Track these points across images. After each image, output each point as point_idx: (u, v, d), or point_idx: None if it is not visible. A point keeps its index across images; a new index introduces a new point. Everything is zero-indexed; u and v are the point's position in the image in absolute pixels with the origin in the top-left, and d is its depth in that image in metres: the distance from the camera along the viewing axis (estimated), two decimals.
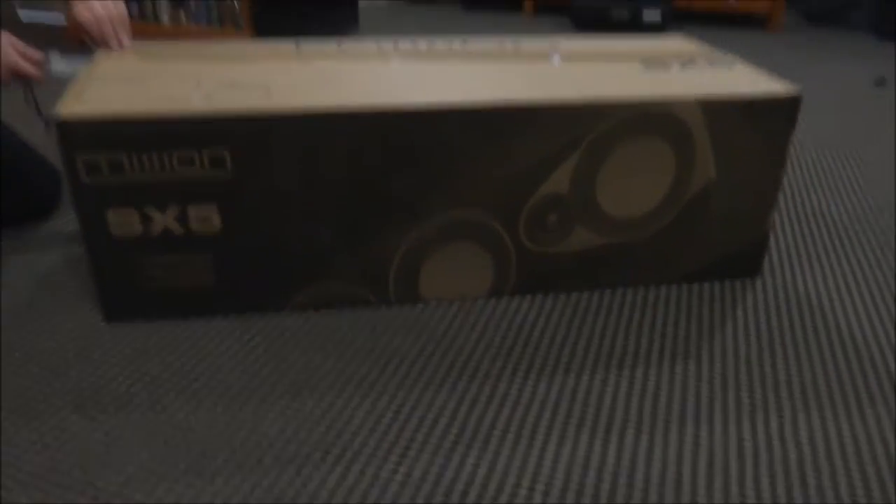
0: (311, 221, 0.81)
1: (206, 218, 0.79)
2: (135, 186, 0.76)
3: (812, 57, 2.35)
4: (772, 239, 1.08)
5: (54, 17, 1.97)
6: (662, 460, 0.66)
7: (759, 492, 0.63)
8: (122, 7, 0.94)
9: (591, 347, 0.82)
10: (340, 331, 0.83)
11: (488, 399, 0.73)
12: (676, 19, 2.78)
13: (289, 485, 0.62)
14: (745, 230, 0.93)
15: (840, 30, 2.83)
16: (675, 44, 1.05)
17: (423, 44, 0.99)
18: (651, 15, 2.52)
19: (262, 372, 0.76)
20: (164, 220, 0.78)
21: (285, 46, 0.97)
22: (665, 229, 0.90)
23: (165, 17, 2.09)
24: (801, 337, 0.85)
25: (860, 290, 0.95)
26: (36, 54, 0.89)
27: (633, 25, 2.53)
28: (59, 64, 0.95)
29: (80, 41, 0.95)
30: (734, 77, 0.90)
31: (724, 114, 0.84)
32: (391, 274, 0.86)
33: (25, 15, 2.11)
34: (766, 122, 0.85)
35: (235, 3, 1.96)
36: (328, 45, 0.98)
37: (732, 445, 0.68)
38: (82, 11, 0.91)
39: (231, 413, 0.70)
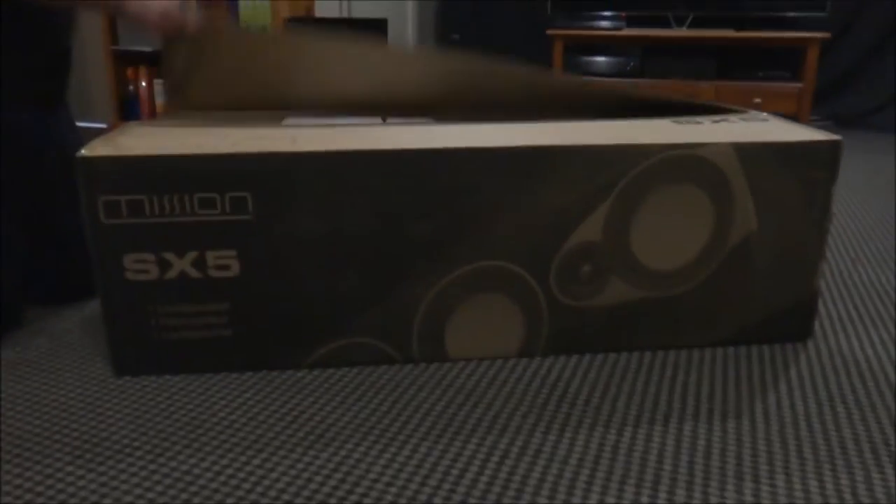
0: (334, 270, 0.78)
1: (225, 264, 0.77)
2: (153, 229, 0.74)
3: (844, 153, 2.34)
4: (821, 308, 1.01)
5: None
6: None
7: None
8: None
9: (632, 405, 0.75)
10: (361, 387, 0.78)
11: (520, 453, 0.66)
12: None
13: None
14: (793, 287, 0.87)
15: (869, 132, 2.84)
16: (706, 106, 1.04)
17: None
18: None
19: (277, 426, 0.71)
20: (181, 264, 0.76)
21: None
22: (706, 283, 0.85)
23: None
24: (865, 398, 0.77)
25: None
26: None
27: None
28: None
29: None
30: (770, 127, 0.87)
31: (761, 159, 0.81)
32: (415, 329, 0.82)
33: None
34: (807, 169, 0.82)
35: None
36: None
37: (800, 502, 0.59)
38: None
39: (239, 464, 0.64)
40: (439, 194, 0.77)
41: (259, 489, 0.61)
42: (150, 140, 0.78)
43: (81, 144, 0.73)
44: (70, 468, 0.64)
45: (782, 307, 0.88)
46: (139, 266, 0.76)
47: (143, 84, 2.34)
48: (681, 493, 0.61)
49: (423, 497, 0.60)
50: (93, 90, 2.55)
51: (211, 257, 0.76)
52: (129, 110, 2.42)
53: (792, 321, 0.89)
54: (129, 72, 2.34)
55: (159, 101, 2.38)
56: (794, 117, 2.75)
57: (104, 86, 2.45)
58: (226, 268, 0.77)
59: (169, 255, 0.76)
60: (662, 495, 0.60)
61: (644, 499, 0.60)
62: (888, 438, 0.69)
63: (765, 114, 0.97)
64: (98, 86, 2.51)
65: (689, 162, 0.79)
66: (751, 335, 0.88)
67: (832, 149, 0.82)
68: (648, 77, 2.87)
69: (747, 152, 0.80)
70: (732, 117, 0.94)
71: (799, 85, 2.67)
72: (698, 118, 0.93)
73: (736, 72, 2.82)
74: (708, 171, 0.80)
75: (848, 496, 0.60)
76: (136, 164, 0.72)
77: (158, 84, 2.29)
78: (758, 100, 2.70)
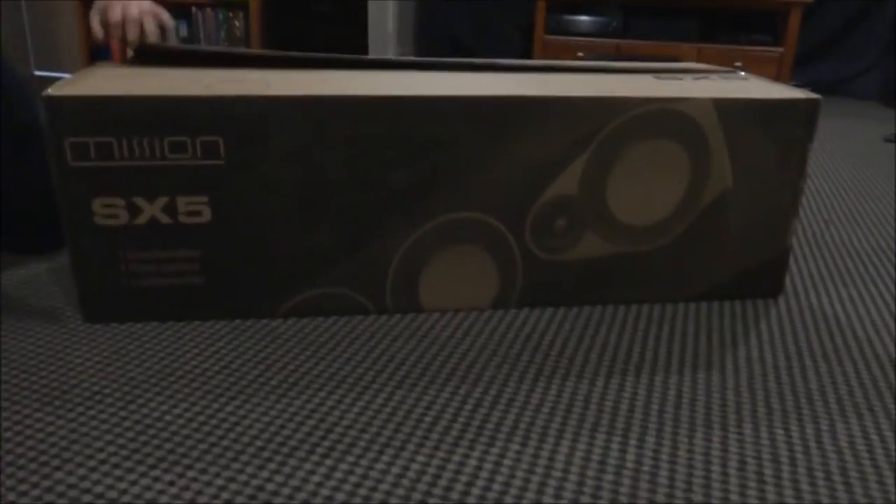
0: (307, 218, 0.77)
1: (197, 210, 0.75)
2: (123, 173, 0.72)
3: (822, 118, 2.35)
4: (793, 266, 1.03)
5: None
6: (688, 463, 0.59)
7: (800, 493, 0.55)
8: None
9: (605, 356, 0.76)
10: (335, 337, 0.78)
11: (493, 401, 0.67)
12: None
13: (268, 480, 0.55)
14: (765, 244, 0.88)
15: (847, 98, 2.86)
16: (688, 64, 1.03)
17: (430, 62, 0.98)
18: None
19: (249, 374, 0.70)
20: (151, 210, 0.74)
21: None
22: (680, 239, 0.85)
23: None
24: (832, 351, 0.78)
25: (890, 311, 0.89)
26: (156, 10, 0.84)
27: None
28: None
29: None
30: (750, 85, 0.87)
31: (740, 116, 0.80)
32: (389, 280, 0.81)
33: None
34: (784, 127, 0.82)
35: None
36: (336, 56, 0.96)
37: (766, 450, 0.61)
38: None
39: (211, 411, 0.64)
40: (416, 143, 0.76)
41: (232, 435, 0.61)
42: (120, 81, 0.75)
43: (29, 92, 0.71)
44: (39, 415, 0.63)
45: (755, 264, 0.88)
46: (108, 210, 0.74)
47: None
48: (650, 441, 0.61)
49: (396, 444, 0.60)
50: (60, 38, 2.47)
51: (182, 203, 0.75)
52: (98, 59, 2.36)
53: (764, 278, 0.90)
54: None
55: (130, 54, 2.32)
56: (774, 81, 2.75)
57: (73, 33, 2.37)
58: (197, 213, 0.76)
59: (139, 200, 0.74)
60: (633, 443, 0.61)
61: (614, 446, 0.61)
62: (853, 390, 0.70)
63: (745, 73, 0.96)
64: (66, 33, 2.43)
65: (669, 116, 0.79)
66: (723, 291, 0.89)
67: (810, 107, 0.82)
68: (631, 38, 2.84)
69: (727, 108, 0.80)
70: (713, 76, 0.94)
71: (780, 49, 2.67)
72: (679, 75, 0.93)
73: (718, 35, 2.80)
74: (686, 127, 0.80)
75: (812, 443, 0.62)
76: (105, 105, 0.70)
77: None
78: (739, 63, 2.69)
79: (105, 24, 0.86)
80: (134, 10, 0.82)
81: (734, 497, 0.55)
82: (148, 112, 0.71)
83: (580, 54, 2.81)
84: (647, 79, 0.89)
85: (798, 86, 3.02)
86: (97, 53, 2.34)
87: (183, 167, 0.73)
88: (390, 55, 3.17)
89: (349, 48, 2.46)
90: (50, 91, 0.70)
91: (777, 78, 2.69)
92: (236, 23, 2.04)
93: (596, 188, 0.81)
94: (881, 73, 2.82)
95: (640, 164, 0.81)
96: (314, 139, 0.74)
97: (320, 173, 0.75)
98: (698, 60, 2.72)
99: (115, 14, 0.82)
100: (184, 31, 2.11)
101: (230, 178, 0.74)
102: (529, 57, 3.06)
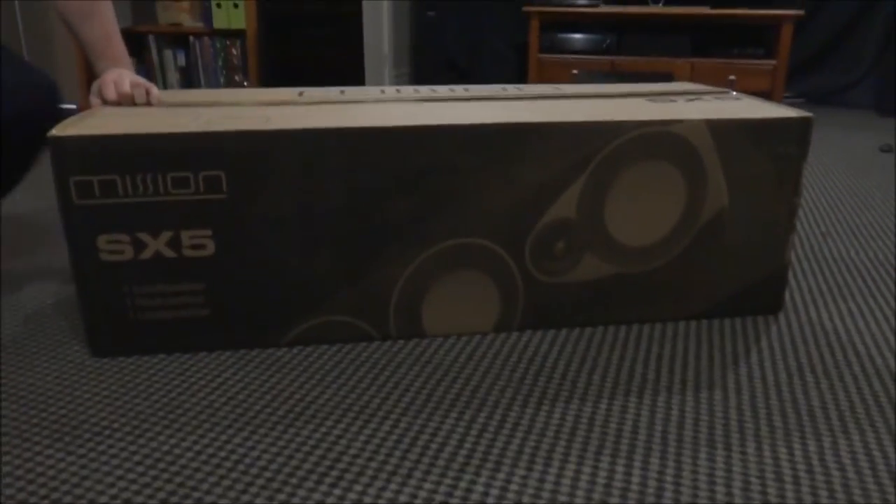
0: (309, 249, 0.78)
1: (201, 243, 0.76)
2: (127, 209, 0.74)
3: (817, 129, 2.37)
4: (793, 280, 1.04)
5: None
6: (693, 484, 0.59)
7: None
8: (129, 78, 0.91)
9: (608, 377, 0.76)
10: (340, 365, 0.79)
11: (498, 426, 0.67)
12: None
13: None
14: (764, 261, 0.89)
15: (841, 109, 2.88)
16: (680, 85, 1.05)
17: (425, 90, 0.99)
18: None
19: (256, 405, 0.71)
20: (156, 244, 0.75)
21: (289, 92, 0.97)
22: (678, 259, 0.86)
23: None
24: (833, 366, 0.79)
25: (890, 325, 0.90)
26: (142, 82, 0.89)
27: None
28: None
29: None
30: (743, 105, 0.88)
31: (734, 136, 0.82)
32: (392, 306, 0.82)
33: None
34: (778, 145, 0.83)
35: (245, 82, 2.02)
36: (331, 92, 0.98)
37: (769, 469, 0.61)
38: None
39: (219, 443, 0.65)
40: (414, 172, 0.77)
41: (241, 467, 0.61)
42: (122, 120, 0.77)
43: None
44: (49, 451, 0.63)
45: (754, 281, 0.89)
46: (113, 247, 0.75)
47: None
48: (654, 463, 0.62)
49: (403, 471, 0.61)
50: (62, 72, 2.50)
51: (186, 237, 0.76)
52: None
53: (763, 294, 0.90)
54: None
55: None
56: (767, 94, 2.78)
57: (73, 67, 2.40)
58: (201, 247, 0.77)
59: (143, 236, 0.75)
60: (637, 465, 0.62)
61: (619, 469, 0.61)
62: (854, 405, 0.71)
63: (737, 93, 0.98)
64: (67, 68, 2.46)
65: (663, 138, 0.80)
66: (723, 308, 0.90)
67: (803, 125, 0.83)
68: (624, 54, 2.87)
69: (720, 129, 0.81)
70: (706, 96, 0.95)
71: (773, 62, 2.69)
72: (672, 97, 0.94)
73: (711, 49, 2.83)
74: (681, 148, 0.81)
75: (815, 461, 0.62)
76: (108, 144, 0.71)
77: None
78: (732, 77, 2.72)
79: (105, 103, 0.89)
80: (125, 86, 0.87)
81: None
82: (150, 149, 0.72)
83: (575, 72, 2.83)
84: (640, 102, 0.90)
85: (791, 98, 3.04)
86: None
87: (186, 202, 0.74)
88: (386, 77, 3.21)
89: (346, 72, 2.49)
90: (54, 131, 0.71)
91: (771, 89, 2.71)
92: (233, 51, 2.07)
93: (594, 210, 0.82)
94: (875, 82, 2.85)
95: (637, 185, 0.82)
96: (314, 171, 0.75)
97: (321, 204, 0.77)
98: (692, 75, 2.74)
99: (110, 93, 0.87)
100: (182, 61, 2.14)
101: (233, 212, 0.75)
102: (524, 76, 3.09)
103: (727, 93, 0.98)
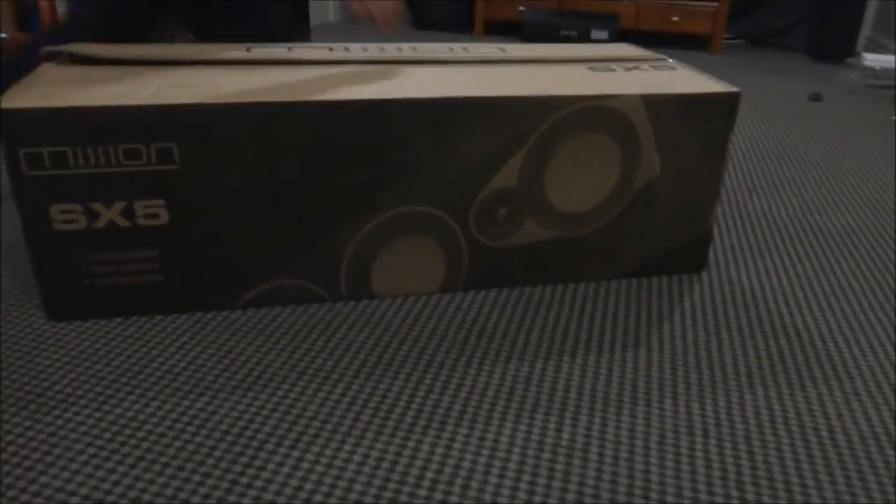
0: (261, 219, 0.81)
1: (154, 213, 0.78)
2: (79, 180, 0.75)
3: (752, 74, 2.45)
4: (717, 238, 1.11)
5: None
6: (615, 439, 0.67)
7: (709, 463, 0.64)
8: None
9: (544, 337, 0.83)
10: (293, 327, 0.83)
11: (443, 387, 0.73)
12: (622, 39, 2.87)
13: (242, 473, 0.61)
14: (690, 226, 0.95)
15: (777, 51, 2.96)
16: (620, 50, 1.09)
17: (374, 49, 1.01)
18: (599, 34, 2.59)
19: (215, 369, 0.75)
20: (109, 214, 0.77)
21: (237, 49, 0.97)
22: (612, 224, 0.92)
23: None
24: (746, 325, 0.87)
25: (800, 282, 0.98)
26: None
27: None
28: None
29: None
30: (676, 77, 0.93)
31: (667, 110, 0.87)
32: (342, 270, 0.86)
33: None
34: (707, 119, 0.89)
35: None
36: (279, 49, 0.98)
37: (683, 423, 0.69)
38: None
39: (182, 408, 0.69)
40: (362, 145, 0.80)
41: (204, 432, 0.66)
42: (69, 89, 0.77)
43: None
44: (17, 419, 0.67)
45: (680, 243, 0.96)
46: (66, 216, 0.76)
47: None
48: (583, 420, 0.69)
49: (356, 432, 0.66)
50: None
51: (139, 206, 0.78)
52: (28, 20, 2.27)
53: (688, 255, 0.98)
54: None
55: (61, 10, 2.24)
56: (709, 36, 2.83)
57: None
58: (155, 216, 0.79)
59: (96, 206, 0.77)
60: (567, 422, 0.69)
61: (552, 426, 0.68)
62: (761, 363, 0.79)
63: (672, 61, 1.02)
64: None
65: (601, 112, 0.85)
66: (651, 268, 0.97)
67: (731, 100, 0.89)
68: None
69: (654, 103, 0.86)
70: (644, 65, 0.99)
71: (715, 4, 2.74)
72: (612, 65, 0.98)
73: None
74: (618, 121, 0.86)
75: (723, 416, 0.70)
76: (57, 117, 0.72)
77: None
78: (676, 18, 2.76)
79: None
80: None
81: (654, 468, 0.63)
82: (100, 123, 0.73)
83: (522, 9, 2.82)
84: (581, 70, 0.94)
85: (731, 38, 3.09)
86: (26, 14, 2.26)
87: (139, 173, 0.76)
88: (331, 12, 3.13)
89: (291, 7, 2.43)
90: (2, 104, 0.71)
91: (712, 31, 2.77)
92: None
93: (534, 180, 0.87)
94: (809, 26, 2.93)
95: (575, 156, 0.86)
96: (267, 143, 0.77)
97: (273, 175, 0.79)
98: (637, 17, 2.77)
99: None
100: None
101: (185, 182, 0.77)
102: (471, 13, 3.06)
103: (664, 60, 1.03)
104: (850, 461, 0.65)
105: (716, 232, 1.13)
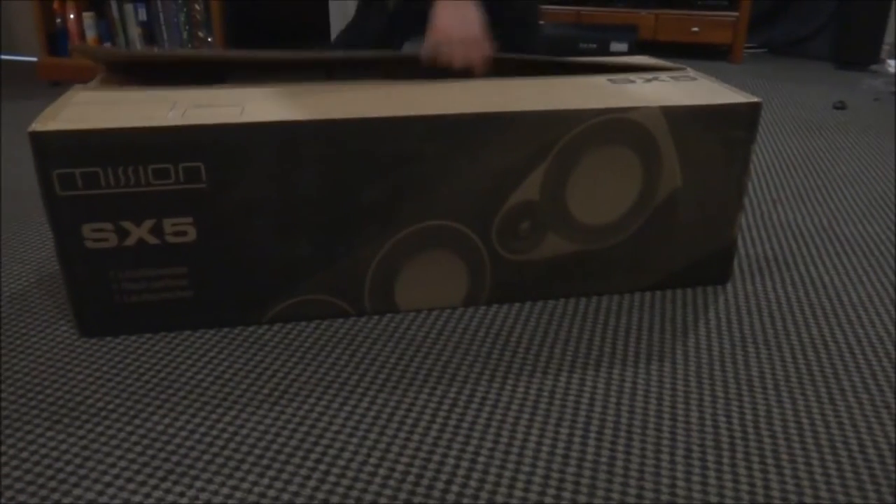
0: (286, 234, 0.82)
1: (182, 230, 0.80)
2: (110, 199, 0.77)
3: (774, 83, 2.43)
4: (742, 249, 1.11)
5: None
6: (641, 453, 0.66)
7: (737, 477, 0.63)
8: (476, 27, 0.95)
9: (568, 351, 0.83)
10: (319, 342, 0.84)
11: (468, 400, 0.74)
12: (642, 50, 2.87)
13: (269, 486, 0.62)
14: (714, 236, 0.95)
15: (800, 60, 2.93)
16: (639, 59, 1.09)
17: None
18: (618, 46, 2.60)
19: (242, 383, 0.76)
20: (139, 232, 0.79)
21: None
22: (635, 236, 0.92)
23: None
24: (773, 337, 0.86)
25: (827, 293, 0.97)
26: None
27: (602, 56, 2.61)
28: None
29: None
30: (697, 88, 0.93)
31: (687, 121, 0.87)
32: (367, 285, 0.87)
33: None
34: (728, 129, 0.89)
35: (209, 38, 1.99)
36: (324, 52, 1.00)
37: (709, 437, 0.69)
38: (438, 26, 0.94)
39: (210, 422, 0.70)
40: (387, 160, 0.81)
41: (232, 445, 0.67)
42: (99, 111, 0.79)
43: None
44: (50, 433, 0.68)
45: (704, 255, 0.96)
46: (97, 235, 0.78)
47: (72, 16, 2.24)
48: (608, 434, 0.69)
49: (382, 446, 0.67)
50: (18, 23, 2.43)
51: (168, 224, 0.79)
52: (57, 44, 2.33)
53: (713, 267, 0.97)
54: (56, 4, 2.23)
55: (90, 34, 2.29)
56: (730, 46, 2.82)
57: (30, 18, 2.34)
58: (183, 234, 0.80)
59: (126, 224, 0.78)
60: (592, 436, 0.69)
61: (576, 440, 0.68)
62: (789, 375, 0.79)
63: (692, 72, 1.02)
64: (24, 18, 2.39)
65: (621, 125, 0.85)
66: (676, 280, 0.97)
67: (752, 110, 0.88)
68: (590, 5, 2.88)
69: (674, 115, 0.86)
70: (663, 75, 0.99)
71: (735, 14, 2.73)
72: (631, 76, 0.98)
73: (675, 0, 2.85)
74: (638, 133, 0.86)
75: (751, 429, 0.70)
76: (89, 138, 0.74)
77: (88, 17, 2.19)
78: (695, 29, 2.75)
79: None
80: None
81: (681, 482, 0.63)
82: (130, 144, 0.75)
83: (541, 22, 2.83)
84: (601, 81, 0.95)
85: (753, 47, 3.07)
86: (55, 39, 2.31)
87: (167, 192, 0.78)
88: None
89: (311, 26, 2.46)
90: (35, 126, 0.73)
91: (733, 41, 2.76)
92: (196, 6, 2.03)
93: (556, 193, 0.87)
94: (833, 34, 2.90)
95: (597, 169, 0.87)
96: (288, 161, 0.79)
97: (296, 191, 0.80)
98: (656, 28, 2.77)
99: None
100: (143, 16, 2.09)
101: (213, 200, 0.79)
102: None
103: (683, 70, 1.03)
104: (881, 474, 0.64)
105: (740, 243, 1.12)
